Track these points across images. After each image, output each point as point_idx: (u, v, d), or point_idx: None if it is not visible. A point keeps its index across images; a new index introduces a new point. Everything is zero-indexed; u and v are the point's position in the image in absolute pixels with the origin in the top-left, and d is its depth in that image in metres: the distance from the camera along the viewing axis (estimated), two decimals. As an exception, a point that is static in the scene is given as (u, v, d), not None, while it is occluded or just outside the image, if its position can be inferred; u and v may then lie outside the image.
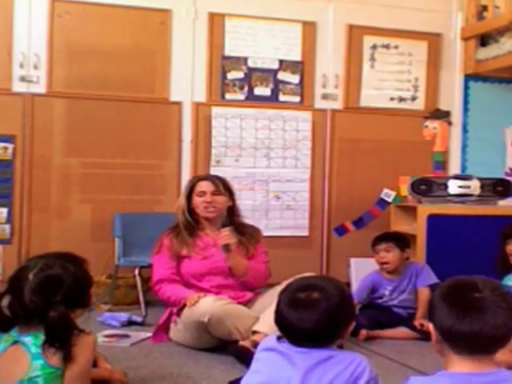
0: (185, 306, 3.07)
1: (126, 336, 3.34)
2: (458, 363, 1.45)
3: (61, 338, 1.85)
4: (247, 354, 2.81)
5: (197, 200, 3.33)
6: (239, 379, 2.41)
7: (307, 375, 1.64)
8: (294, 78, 4.68)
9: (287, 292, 1.75)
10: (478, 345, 1.43)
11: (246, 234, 3.36)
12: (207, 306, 2.97)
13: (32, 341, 1.87)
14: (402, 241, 3.69)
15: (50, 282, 1.89)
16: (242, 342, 2.90)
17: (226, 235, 3.24)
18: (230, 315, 2.97)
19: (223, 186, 3.36)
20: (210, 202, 3.30)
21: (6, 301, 1.95)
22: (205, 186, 3.33)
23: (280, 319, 1.72)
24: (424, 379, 1.50)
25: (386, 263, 3.63)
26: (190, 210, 3.35)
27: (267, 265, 3.39)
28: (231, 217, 3.38)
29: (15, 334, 1.91)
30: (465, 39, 4.97)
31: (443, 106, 5.00)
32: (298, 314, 1.67)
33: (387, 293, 3.65)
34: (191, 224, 3.34)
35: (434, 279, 3.59)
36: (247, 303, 3.23)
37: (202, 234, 3.35)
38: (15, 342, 1.90)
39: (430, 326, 1.51)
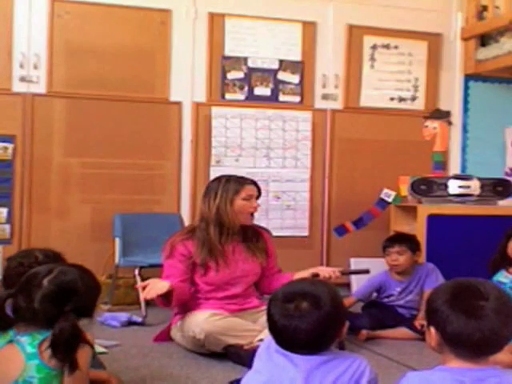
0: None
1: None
2: (455, 361, 1.50)
3: (66, 349, 1.80)
4: (244, 354, 2.82)
5: (242, 204, 3.14)
6: (239, 380, 2.41)
7: (309, 376, 1.63)
8: (294, 78, 4.68)
9: (275, 302, 1.70)
10: (480, 350, 1.48)
11: (253, 240, 3.28)
12: (202, 322, 2.92)
13: (28, 340, 1.83)
14: (414, 243, 3.70)
15: (64, 291, 1.84)
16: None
17: None
18: (227, 331, 2.93)
19: None
20: (256, 208, 3.20)
21: (8, 302, 1.92)
22: (252, 190, 3.19)
23: (274, 329, 1.69)
24: (421, 373, 1.53)
25: (398, 265, 3.63)
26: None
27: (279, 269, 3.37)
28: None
29: (12, 333, 1.88)
30: (465, 39, 4.97)
31: (443, 106, 5.00)
32: (291, 324, 1.64)
33: (396, 293, 3.66)
34: (226, 230, 3.17)
35: (441, 282, 3.58)
36: (252, 309, 3.20)
37: (226, 240, 3.20)
38: (10, 342, 1.85)
39: (431, 329, 1.52)
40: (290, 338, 1.66)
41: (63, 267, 1.93)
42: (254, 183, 3.25)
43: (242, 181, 3.23)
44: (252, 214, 3.23)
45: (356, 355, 1.75)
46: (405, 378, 1.52)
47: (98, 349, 3.01)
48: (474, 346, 1.46)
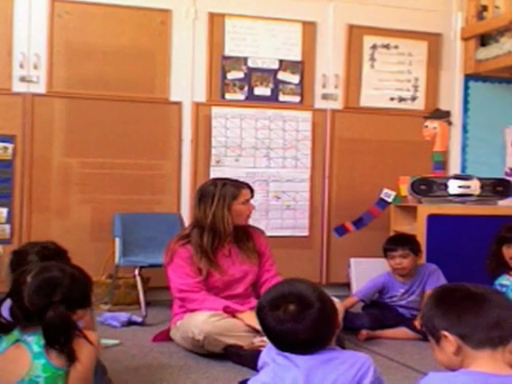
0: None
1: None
2: (476, 362, 1.46)
3: (60, 339, 1.83)
4: (244, 354, 2.82)
5: (241, 208, 3.18)
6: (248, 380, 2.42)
7: (310, 375, 1.64)
8: (294, 78, 4.68)
9: (264, 312, 1.71)
10: (498, 333, 1.44)
11: (244, 240, 3.29)
12: (202, 323, 2.93)
13: (35, 340, 1.86)
14: (416, 245, 3.70)
15: (48, 283, 1.88)
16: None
17: None
18: (227, 332, 2.94)
19: None
20: (252, 210, 3.23)
21: (5, 305, 1.95)
22: (248, 193, 3.23)
23: (272, 336, 1.70)
24: (444, 374, 1.49)
25: (403, 268, 3.63)
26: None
27: (277, 270, 3.36)
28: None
29: (17, 333, 1.90)
30: (465, 39, 4.97)
31: (443, 106, 5.00)
32: (287, 328, 1.65)
33: (399, 294, 3.66)
34: (219, 236, 3.18)
35: (443, 282, 3.58)
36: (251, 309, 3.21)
37: (219, 245, 3.23)
38: (17, 341, 1.88)
39: (447, 335, 1.47)
40: (291, 340, 1.67)
41: (45, 263, 2.00)
42: (248, 186, 3.28)
43: (238, 185, 3.24)
44: (249, 216, 3.26)
45: (361, 354, 1.75)
46: (425, 378, 1.49)
47: (109, 342, 3.04)
48: (491, 329, 1.43)
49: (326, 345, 1.69)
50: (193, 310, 3.08)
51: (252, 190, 3.29)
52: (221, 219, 3.14)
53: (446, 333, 1.49)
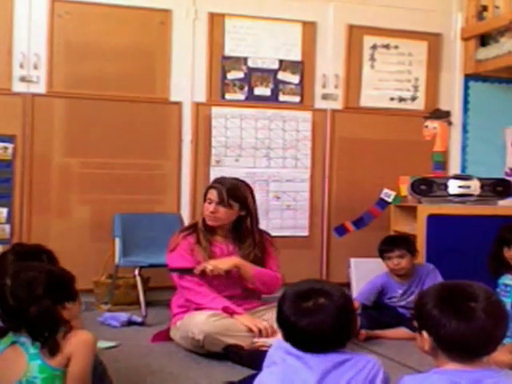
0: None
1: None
2: (450, 364, 1.51)
3: (44, 333, 1.83)
4: (244, 354, 2.82)
5: (204, 206, 3.25)
6: (241, 381, 2.42)
7: (323, 378, 1.63)
8: (294, 78, 4.68)
9: (290, 303, 1.70)
10: (474, 351, 1.49)
11: (250, 247, 3.26)
12: (201, 323, 2.94)
13: (30, 341, 1.86)
14: (411, 245, 3.70)
15: (27, 280, 1.88)
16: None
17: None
18: (226, 331, 2.94)
19: (233, 197, 3.18)
20: (213, 212, 3.19)
21: None
22: (211, 194, 3.22)
23: (291, 329, 1.69)
24: (417, 377, 1.52)
25: (401, 269, 3.63)
26: None
27: (279, 271, 3.33)
28: (241, 225, 3.25)
29: (12, 335, 1.90)
30: (465, 39, 4.97)
31: (443, 106, 5.00)
32: (312, 321, 1.64)
33: (398, 295, 3.66)
34: (207, 230, 3.24)
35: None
36: (251, 310, 3.20)
37: (217, 240, 3.27)
38: (13, 343, 1.88)
39: (424, 334, 1.52)
40: (312, 335, 1.65)
41: (23, 263, 2.03)
42: (217, 188, 3.21)
43: (210, 184, 3.36)
44: (210, 217, 3.21)
45: (370, 356, 1.75)
46: (401, 383, 1.52)
47: (104, 344, 3.02)
48: (467, 348, 1.47)
49: (343, 345, 1.69)
50: (191, 301, 3.11)
51: (221, 196, 3.17)
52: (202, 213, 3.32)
53: (424, 333, 1.52)
